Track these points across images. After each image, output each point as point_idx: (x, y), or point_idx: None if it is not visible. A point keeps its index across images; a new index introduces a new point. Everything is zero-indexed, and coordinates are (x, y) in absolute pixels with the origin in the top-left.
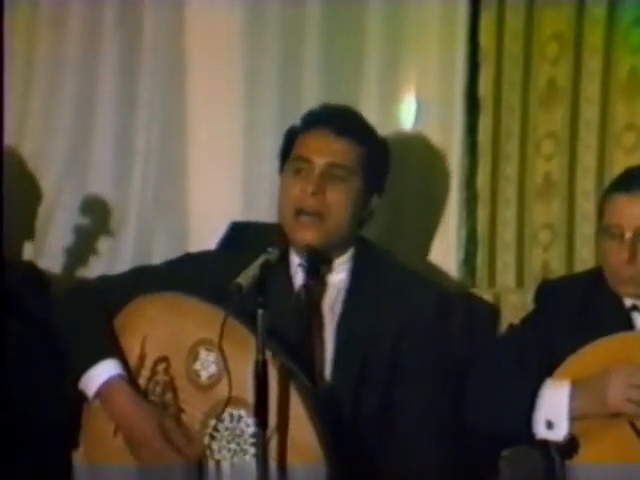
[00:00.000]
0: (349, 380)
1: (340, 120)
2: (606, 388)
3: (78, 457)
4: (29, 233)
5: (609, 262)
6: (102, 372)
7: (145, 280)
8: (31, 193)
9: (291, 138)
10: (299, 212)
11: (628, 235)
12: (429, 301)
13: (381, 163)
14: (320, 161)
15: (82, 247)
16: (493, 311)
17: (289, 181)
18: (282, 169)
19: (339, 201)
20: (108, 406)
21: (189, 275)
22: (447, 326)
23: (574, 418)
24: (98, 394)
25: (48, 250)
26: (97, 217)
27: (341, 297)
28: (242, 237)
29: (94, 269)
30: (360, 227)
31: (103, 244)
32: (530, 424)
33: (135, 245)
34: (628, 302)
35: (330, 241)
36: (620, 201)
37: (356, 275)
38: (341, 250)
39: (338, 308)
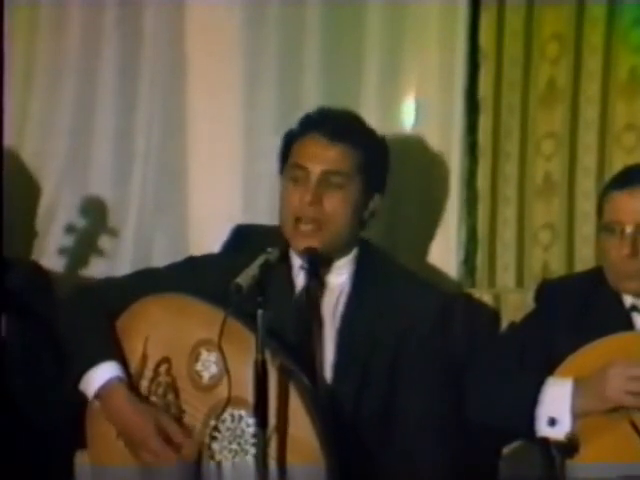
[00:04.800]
0: (350, 383)
1: (335, 124)
2: (605, 382)
3: (81, 458)
4: (30, 233)
5: (610, 259)
6: (101, 374)
7: (148, 283)
8: (31, 193)
9: (288, 142)
10: (298, 220)
11: (629, 230)
12: (431, 305)
13: (380, 164)
14: (316, 169)
15: (82, 247)
16: (494, 315)
17: (288, 189)
18: (282, 171)
19: (337, 208)
20: (106, 408)
21: (192, 278)
22: (449, 330)
23: (577, 415)
24: (97, 396)
25: (49, 250)
26: (97, 217)
27: (343, 299)
28: (246, 240)
29: (94, 269)
30: (362, 228)
31: (103, 244)
32: (532, 421)
33: (135, 245)
34: (628, 302)
35: (330, 246)
36: (620, 198)
37: (358, 278)
38: (343, 252)
39: (340, 310)
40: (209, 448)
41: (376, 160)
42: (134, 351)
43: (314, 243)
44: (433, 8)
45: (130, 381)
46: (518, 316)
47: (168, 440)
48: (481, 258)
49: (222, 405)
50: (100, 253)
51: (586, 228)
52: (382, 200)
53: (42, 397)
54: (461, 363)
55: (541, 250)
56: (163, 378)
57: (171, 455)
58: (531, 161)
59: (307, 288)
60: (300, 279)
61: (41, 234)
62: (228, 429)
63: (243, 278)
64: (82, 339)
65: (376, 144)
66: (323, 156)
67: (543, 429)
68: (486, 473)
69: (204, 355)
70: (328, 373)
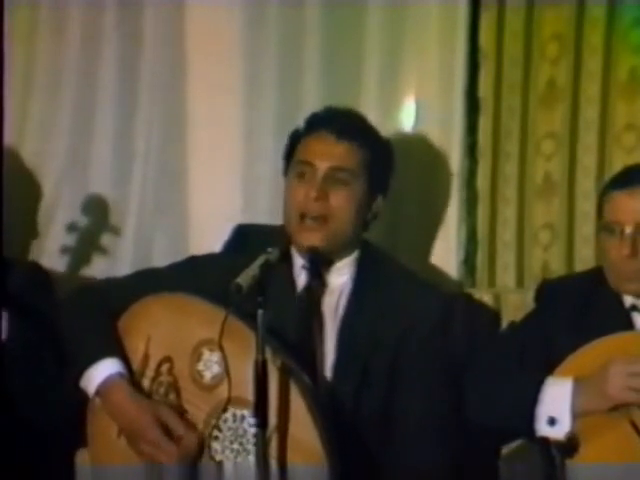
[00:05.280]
0: (350, 383)
1: (342, 123)
2: (606, 380)
3: (81, 457)
4: (30, 233)
5: (610, 259)
6: (102, 370)
7: (150, 282)
8: (32, 193)
9: (294, 140)
10: (303, 216)
11: (628, 230)
12: (431, 305)
13: (384, 165)
14: (323, 165)
15: (82, 247)
16: (494, 315)
17: (293, 185)
18: (286, 171)
19: (343, 205)
20: (107, 404)
21: (193, 278)
22: (449, 330)
23: (577, 414)
24: (98, 392)
25: (48, 250)
26: (97, 217)
27: (344, 300)
28: (247, 240)
29: (94, 269)
30: (365, 229)
31: (103, 244)
32: (531, 421)
33: (135, 245)
34: (628, 302)
35: (334, 244)
36: (620, 198)
37: (359, 278)
38: (345, 252)
39: (341, 311)
40: (210, 448)
41: (380, 160)
42: (136, 351)
43: (318, 238)
44: (433, 8)
45: (132, 378)
46: (518, 316)
47: (168, 434)
48: (481, 258)
49: (224, 405)
50: (100, 253)
51: (586, 228)
52: (384, 202)
53: (42, 397)
54: (461, 363)
55: (541, 250)
56: (165, 378)
57: (171, 446)
58: (531, 161)
59: (308, 288)
60: (301, 279)
61: (41, 234)
62: (230, 429)
63: (243, 278)
64: (83, 337)
65: (381, 145)
66: (330, 153)
67: (543, 429)
68: (486, 473)
69: (206, 355)
70: (329, 373)
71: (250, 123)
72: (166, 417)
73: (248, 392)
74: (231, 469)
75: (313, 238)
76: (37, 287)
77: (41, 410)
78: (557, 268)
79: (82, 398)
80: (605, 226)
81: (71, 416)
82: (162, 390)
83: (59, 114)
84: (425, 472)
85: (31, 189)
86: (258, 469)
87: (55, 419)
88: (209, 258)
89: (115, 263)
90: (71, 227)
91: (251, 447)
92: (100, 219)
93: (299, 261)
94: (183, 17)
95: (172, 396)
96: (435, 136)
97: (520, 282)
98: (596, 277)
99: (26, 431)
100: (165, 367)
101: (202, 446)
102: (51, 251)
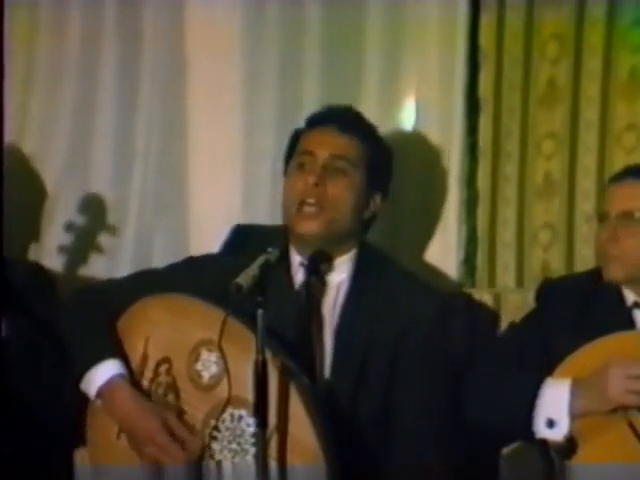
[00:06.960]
0: (347, 381)
1: (344, 118)
2: (606, 382)
3: (81, 456)
4: (30, 233)
5: (597, 245)
6: (103, 372)
7: (149, 283)
8: (32, 193)
9: (295, 139)
10: (302, 204)
11: (612, 217)
12: (430, 305)
13: (383, 163)
14: (323, 153)
15: (82, 247)
16: (494, 315)
17: (293, 176)
18: (286, 171)
19: (340, 193)
20: (109, 406)
21: (192, 278)
22: (448, 330)
23: (575, 416)
24: (99, 394)
25: (48, 250)
26: (97, 217)
27: (341, 298)
28: (245, 240)
29: (94, 269)
30: (365, 230)
31: (103, 244)
32: (530, 422)
33: (135, 245)
34: (630, 300)
35: (331, 233)
36: (612, 190)
37: (357, 277)
38: (343, 250)
39: (338, 309)
40: (209, 448)
41: (379, 158)
42: (134, 351)
43: (316, 225)
44: (433, 8)
45: (132, 379)
46: (518, 316)
47: (173, 436)
48: (481, 258)
49: (222, 405)
50: (100, 252)
51: (586, 228)
52: (383, 203)
53: (43, 397)
54: (460, 363)
55: (541, 250)
56: (163, 378)
57: (177, 450)
58: (531, 161)
59: (307, 284)
60: (299, 276)
61: (41, 234)
62: (228, 429)
63: (243, 278)
64: (83, 339)
65: (381, 144)
66: (332, 142)
67: (541, 430)
68: (486, 473)
69: (204, 355)
70: (327, 371)
71: (250, 122)
72: (171, 421)
73: (246, 392)
74: (230, 469)
75: (311, 225)
76: (38, 287)
77: (41, 410)
78: (557, 268)
79: (82, 398)
80: (598, 215)
81: (71, 416)
82: (161, 391)
83: (59, 114)
84: (423, 471)
85: (31, 189)
86: (257, 469)
87: (55, 419)
88: (208, 258)
89: (115, 263)
90: (71, 227)
91: (249, 447)
92: (100, 219)
93: (297, 259)
94: (183, 17)
95: (171, 397)
96: (435, 136)
97: (520, 282)
98: (597, 277)
99: (26, 430)
100: (164, 367)
101: (204, 450)
102: (51, 251)
